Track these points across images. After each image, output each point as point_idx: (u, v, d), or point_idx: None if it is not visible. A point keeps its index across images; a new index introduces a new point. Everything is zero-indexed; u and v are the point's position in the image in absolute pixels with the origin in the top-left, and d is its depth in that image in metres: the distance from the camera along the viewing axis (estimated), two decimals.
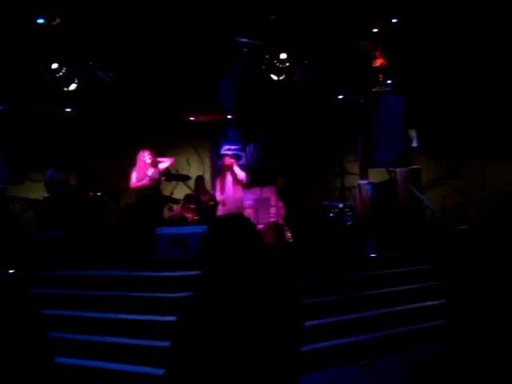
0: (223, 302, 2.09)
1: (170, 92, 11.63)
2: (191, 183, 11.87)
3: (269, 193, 12.57)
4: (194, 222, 10.40)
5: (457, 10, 9.66)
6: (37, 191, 11.19)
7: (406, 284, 8.76)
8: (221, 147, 14.20)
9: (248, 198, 11.84)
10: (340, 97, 11.97)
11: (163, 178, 10.53)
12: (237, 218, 2.25)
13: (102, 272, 8.77)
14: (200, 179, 11.64)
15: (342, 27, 9.99)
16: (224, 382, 2.02)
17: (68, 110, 12.32)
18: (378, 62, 10.67)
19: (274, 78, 10.36)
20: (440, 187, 12.56)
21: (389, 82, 10.74)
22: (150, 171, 9.80)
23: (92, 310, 7.62)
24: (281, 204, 11.56)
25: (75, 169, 13.03)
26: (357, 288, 8.34)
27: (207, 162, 14.43)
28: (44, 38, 9.44)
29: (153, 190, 9.89)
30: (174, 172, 11.43)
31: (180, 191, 12.49)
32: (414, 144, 10.84)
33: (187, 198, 10.94)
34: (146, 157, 9.81)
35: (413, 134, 10.79)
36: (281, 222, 11.28)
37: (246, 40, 10.14)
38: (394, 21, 10.01)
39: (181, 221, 10.52)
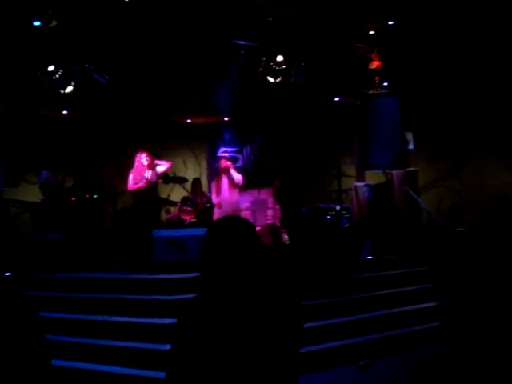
0: (223, 304, 2.09)
1: (167, 94, 11.63)
2: (188, 185, 11.88)
3: (266, 195, 12.60)
4: (191, 225, 10.41)
5: (453, 11, 9.67)
6: (33, 193, 11.18)
7: (402, 286, 8.77)
8: (218, 149, 14.23)
9: (245, 200, 11.86)
10: (336, 99, 11.98)
11: (160, 180, 10.53)
12: (236, 220, 2.25)
13: (99, 274, 8.76)
14: (197, 181, 11.65)
15: (338, 29, 10.00)
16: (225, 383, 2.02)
17: (64, 112, 12.32)
18: (375, 64, 10.68)
19: (271, 80, 10.36)
20: (437, 189, 12.58)
21: (385, 84, 10.76)
22: (148, 173, 9.78)
23: (88, 312, 7.61)
24: (278, 206, 11.57)
25: (72, 171, 13.03)
26: (354, 290, 8.35)
27: (204, 164, 14.46)
28: (40, 40, 9.42)
29: (150, 192, 9.88)
30: (171, 174, 11.43)
31: (177, 193, 12.51)
32: (411, 146, 10.86)
33: (184, 200, 10.95)
34: (143, 159, 9.81)
35: (409, 136, 10.81)
36: (277, 224, 11.30)
37: (242, 42, 10.14)
38: (390, 23, 10.02)
39: (178, 223, 10.52)
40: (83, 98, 10.93)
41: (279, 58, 10.22)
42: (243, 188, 11.37)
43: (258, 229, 9.04)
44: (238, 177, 10.88)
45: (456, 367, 4.51)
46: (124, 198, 11.56)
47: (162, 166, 10.16)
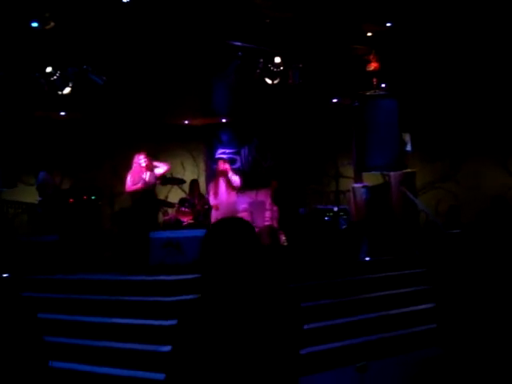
0: (223, 305, 2.09)
1: (165, 95, 11.64)
2: (186, 187, 11.87)
3: (264, 196, 12.60)
4: (188, 226, 10.40)
5: (450, 13, 9.70)
6: (31, 195, 11.16)
7: (399, 288, 8.78)
8: (215, 151, 14.23)
9: (243, 202, 11.86)
10: (334, 100, 12.00)
11: (158, 181, 10.52)
12: (236, 221, 2.25)
13: (97, 276, 8.75)
14: (195, 183, 11.64)
15: (335, 31, 10.01)
16: None
17: (62, 113, 12.31)
18: (372, 66, 10.70)
19: (269, 81, 10.37)
20: (434, 191, 12.60)
21: (383, 85, 10.78)
22: (146, 175, 9.77)
23: (86, 314, 7.60)
24: (275, 207, 11.57)
25: (69, 172, 13.02)
26: (351, 291, 8.35)
27: (202, 165, 14.45)
28: (38, 42, 9.42)
29: (148, 193, 9.86)
30: (168, 176, 11.42)
31: (175, 195, 12.51)
32: (408, 148, 10.87)
33: (182, 201, 10.94)
34: (141, 160, 9.78)
35: (407, 137, 10.83)
36: (275, 225, 11.29)
37: (240, 44, 10.15)
38: (387, 25, 10.05)
39: (175, 225, 10.51)
40: (81, 100, 10.94)
41: (277, 60, 10.23)
42: (241, 189, 11.38)
43: (255, 230, 9.03)
44: (235, 180, 10.88)
45: (453, 369, 4.51)
46: (122, 199, 11.56)
47: (161, 169, 10.15)
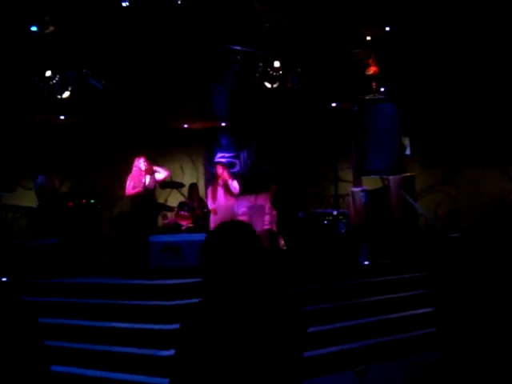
0: (226, 308, 2.09)
1: (164, 99, 11.64)
2: (185, 191, 11.87)
3: (263, 200, 12.60)
4: (187, 230, 10.40)
5: (449, 17, 9.72)
6: (30, 199, 11.16)
7: (399, 292, 8.77)
8: (215, 154, 14.24)
9: (242, 206, 11.87)
10: (333, 105, 12.00)
11: (157, 185, 10.52)
12: (237, 225, 2.25)
13: (96, 280, 8.73)
14: (194, 187, 11.64)
15: (335, 35, 10.03)
16: None
17: (61, 117, 12.31)
18: (371, 70, 10.72)
19: (268, 85, 10.38)
20: (433, 194, 12.60)
21: (382, 89, 10.79)
22: (146, 179, 9.75)
23: (85, 318, 7.59)
24: (275, 211, 11.58)
25: (69, 176, 13.03)
26: (350, 295, 8.35)
27: (201, 169, 14.45)
28: (37, 46, 9.43)
29: (148, 197, 9.85)
30: (168, 179, 11.42)
31: (174, 198, 12.50)
32: (407, 152, 10.88)
33: (181, 205, 10.94)
34: (141, 164, 9.77)
35: (406, 141, 10.83)
36: (274, 229, 11.30)
37: (239, 48, 10.16)
38: (386, 29, 10.07)
39: (174, 228, 10.51)
40: (80, 104, 10.94)
41: (276, 64, 10.25)
42: (240, 193, 11.38)
43: None
44: (235, 187, 10.84)
45: (452, 373, 4.50)
46: (121, 203, 11.55)
47: (161, 174, 10.11)
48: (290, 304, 2.16)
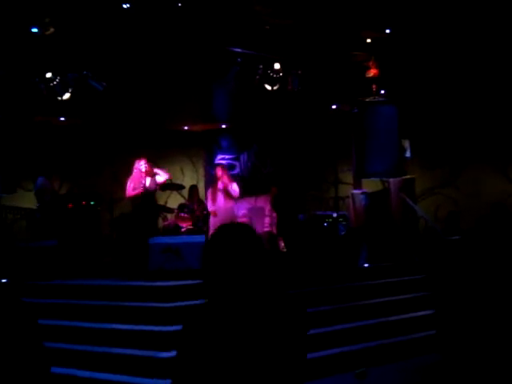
0: (229, 310, 2.08)
1: (164, 101, 11.65)
2: (185, 192, 11.87)
3: (263, 202, 12.60)
4: (187, 232, 10.39)
5: (449, 20, 9.73)
6: (30, 200, 11.16)
7: (399, 294, 8.77)
8: (215, 156, 14.24)
9: (242, 208, 11.86)
10: (334, 107, 12.01)
11: (158, 187, 10.52)
12: (239, 226, 2.25)
13: (96, 281, 8.73)
14: (194, 188, 11.63)
15: (335, 38, 10.04)
16: None
17: (62, 119, 12.32)
18: (372, 73, 10.72)
19: (268, 87, 10.39)
20: (434, 197, 12.60)
21: (382, 92, 10.79)
22: (146, 181, 9.73)
23: (85, 319, 7.59)
24: (275, 213, 11.57)
25: (69, 178, 13.03)
26: (350, 298, 8.34)
27: (201, 171, 14.46)
28: (38, 47, 9.44)
29: (149, 199, 9.83)
30: (168, 181, 11.43)
31: (174, 200, 12.51)
32: (408, 154, 10.89)
33: (181, 207, 10.93)
34: (141, 166, 9.74)
35: (406, 144, 10.84)
36: (274, 231, 11.29)
37: (239, 50, 10.17)
38: (387, 31, 10.08)
39: (174, 230, 10.51)
40: (81, 105, 10.95)
41: (276, 66, 10.25)
42: (240, 196, 11.37)
43: None
44: (235, 190, 10.79)
45: (452, 376, 4.50)
46: (121, 204, 11.55)
47: (161, 177, 10.07)
48: (292, 306, 2.16)
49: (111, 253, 10.40)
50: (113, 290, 8.06)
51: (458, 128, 12.12)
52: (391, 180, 10.72)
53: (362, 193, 10.79)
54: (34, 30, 8.91)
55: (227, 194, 10.77)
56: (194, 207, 10.87)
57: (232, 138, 14.26)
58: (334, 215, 10.69)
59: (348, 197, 11.24)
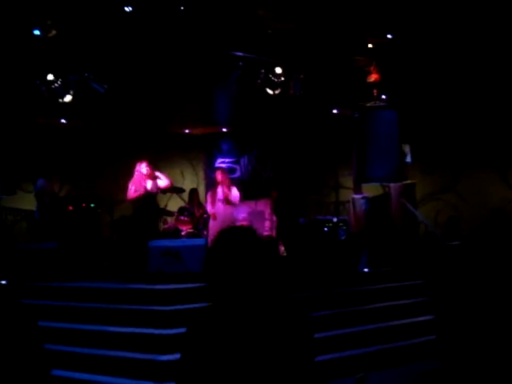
0: (233, 314, 2.08)
1: (165, 104, 11.66)
2: (185, 196, 11.87)
3: (263, 206, 12.59)
4: (187, 235, 10.39)
5: (450, 25, 9.74)
6: (30, 202, 11.17)
7: (399, 299, 8.76)
8: (215, 160, 14.25)
9: (242, 211, 11.85)
10: (335, 111, 12.02)
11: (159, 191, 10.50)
12: (243, 230, 2.24)
13: (95, 284, 8.73)
14: (194, 192, 11.63)
15: (337, 43, 10.06)
16: None
17: (63, 121, 12.32)
18: (373, 78, 10.73)
19: (270, 92, 10.40)
20: (434, 202, 12.59)
21: (383, 97, 10.80)
22: (147, 184, 9.69)
23: (84, 322, 7.57)
24: (275, 217, 11.57)
25: (69, 180, 13.03)
26: (350, 303, 8.33)
27: (201, 174, 14.47)
28: (40, 49, 9.45)
29: (150, 201, 9.79)
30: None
31: (174, 203, 12.50)
32: (408, 159, 10.88)
33: (181, 210, 10.94)
34: (143, 168, 9.70)
35: (407, 149, 10.84)
36: (274, 235, 11.29)
37: (241, 54, 10.19)
38: (388, 37, 10.09)
39: (174, 233, 10.51)
40: (82, 107, 10.96)
41: (278, 70, 10.26)
42: (240, 200, 11.35)
43: None
44: (235, 197, 10.72)
45: (452, 382, 4.49)
46: (121, 207, 11.55)
47: (162, 181, 9.99)
48: (296, 309, 2.15)
49: (111, 255, 10.39)
50: (112, 293, 8.05)
51: (459, 133, 12.13)
52: (392, 185, 10.71)
53: (363, 197, 10.78)
54: (36, 32, 8.92)
55: (227, 201, 10.71)
56: (194, 210, 10.88)
57: (232, 141, 14.27)
58: (335, 220, 10.70)
59: (348, 201, 11.23)
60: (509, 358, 3.90)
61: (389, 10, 9.40)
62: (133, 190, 9.66)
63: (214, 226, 10.46)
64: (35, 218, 10.58)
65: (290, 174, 13.46)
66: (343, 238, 10.39)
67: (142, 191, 9.63)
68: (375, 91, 10.80)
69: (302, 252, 9.46)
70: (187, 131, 13.99)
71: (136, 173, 9.73)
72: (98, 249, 10.48)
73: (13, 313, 2.53)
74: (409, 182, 10.81)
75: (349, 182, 11.82)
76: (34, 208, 10.74)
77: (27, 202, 11.41)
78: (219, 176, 10.90)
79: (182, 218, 10.78)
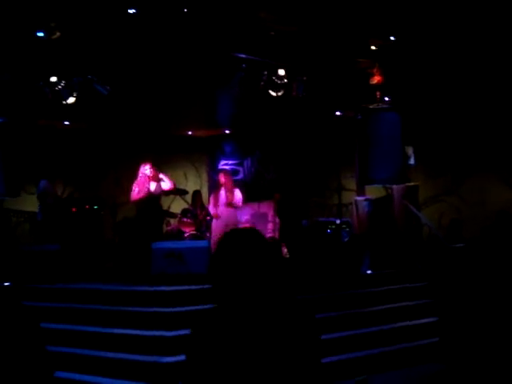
0: (238, 315, 2.08)
1: (168, 106, 11.66)
2: (188, 197, 11.88)
3: (266, 208, 12.58)
4: (190, 237, 10.39)
5: (453, 28, 9.74)
6: (33, 203, 11.18)
7: (401, 301, 8.75)
8: (218, 162, 14.25)
9: (245, 213, 11.84)
10: (338, 113, 12.01)
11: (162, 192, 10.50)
12: (249, 232, 2.24)
13: (98, 286, 8.73)
14: (197, 194, 11.63)
15: (340, 44, 10.05)
16: None
17: (66, 123, 12.33)
18: (376, 79, 10.73)
19: (272, 94, 10.39)
20: (437, 204, 12.58)
21: (386, 99, 10.79)
22: (152, 185, 9.68)
23: (87, 324, 7.58)
24: (278, 219, 11.56)
25: (72, 182, 13.05)
26: (353, 305, 8.32)
27: (204, 176, 14.47)
28: (43, 51, 9.47)
29: (153, 203, 9.76)
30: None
31: (177, 205, 12.52)
32: (411, 161, 10.87)
33: (184, 212, 10.94)
34: (147, 170, 9.68)
35: (410, 151, 10.83)
36: (277, 237, 11.28)
37: (244, 56, 10.18)
38: (391, 39, 10.08)
39: (177, 235, 10.51)
40: (85, 109, 10.96)
41: (281, 72, 10.26)
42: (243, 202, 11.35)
43: None
44: (238, 201, 10.70)
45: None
46: (124, 208, 11.56)
47: (166, 184, 9.95)
48: (302, 311, 2.15)
49: (113, 257, 10.40)
50: (115, 295, 8.05)
51: (462, 136, 12.11)
52: (394, 187, 10.70)
53: (366, 199, 10.77)
54: (40, 34, 8.93)
55: (230, 204, 10.69)
56: (197, 212, 10.88)
57: (235, 143, 14.27)
58: (337, 222, 10.69)
59: (351, 203, 11.22)
60: None
61: (391, 12, 9.40)
62: (136, 191, 9.64)
63: (216, 228, 10.45)
64: (38, 219, 10.59)
65: (293, 176, 13.45)
66: (346, 240, 10.39)
67: (145, 192, 9.61)
68: (378, 93, 10.79)
69: (304, 254, 9.46)
70: (190, 133, 14.00)
71: (140, 174, 9.70)
72: (100, 251, 10.49)
73: (15, 314, 2.53)
74: (412, 184, 10.80)
75: (351, 184, 11.81)
76: (36, 210, 10.76)
77: (30, 204, 11.42)
78: (222, 178, 10.89)
79: (185, 219, 10.78)
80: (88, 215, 10.85)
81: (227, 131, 14.00)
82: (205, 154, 14.53)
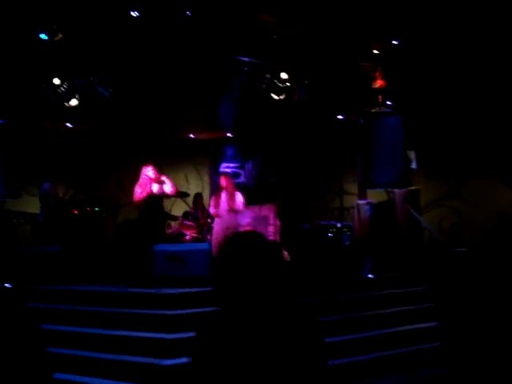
0: (242, 318, 2.08)
1: (170, 109, 11.68)
2: (190, 200, 11.87)
3: (267, 211, 12.58)
4: (192, 240, 10.39)
5: (456, 31, 9.74)
6: (34, 205, 11.19)
7: (403, 305, 8.73)
8: (220, 165, 14.26)
9: (246, 216, 11.82)
10: (340, 117, 12.01)
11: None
12: (252, 235, 2.24)
13: (99, 288, 8.72)
14: (198, 196, 11.62)
15: (342, 48, 10.05)
16: None
17: (68, 125, 12.35)
18: (378, 83, 10.73)
19: (275, 97, 10.40)
20: (438, 208, 12.56)
21: (388, 103, 10.79)
22: (154, 187, 9.65)
23: (88, 325, 7.58)
24: (279, 222, 11.55)
25: (74, 184, 13.06)
26: (354, 309, 8.31)
27: (206, 179, 14.48)
28: (46, 53, 9.48)
29: (156, 205, 9.73)
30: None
31: (178, 208, 12.50)
32: (413, 165, 10.85)
33: (186, 214, 10.93)
34: (149, 172, 9.65)
35: (412, 155, 10.82)
36: (278, 240, 11.27)
37: (246, 59, 10.20)
38: (394, 42, 10.09)
39: (179, 238, 10.50)
40: (87, 111, 10.98)
41: (283, 76, 10.27)
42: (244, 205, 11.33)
43: None
44: (239, 205, 10.66)
45: None
46: (126, 210, 11.55)
47: (168, 187, 9.91)
48: (305, 314, 2.15)
49: (115, 259, 10.39)
50: (116, 297, 8.06)
51: (464, 139, 12.11)
52: (396, 191, 10.69)
53: (367, 203, 10.76)
54: (43, 36, 8.95)
55: (232, 209, 10.66)
56: (199, 215, 10.87)
57: (237, 146, 14.28)
58: (339, 225, 10.67)
59: (353, 207, 11.22)
60: None
61: (394, 16, 9.40)
62: (139, 192, 9.60)
63: (217, 231, 10.44)
64: (39, 221, 10.60)
65: (295, 180, 13.45)
66: (347, 243, 10.36)
67: (148, 192, 9.58)
68: (380, 97, 10.79)
69: (305, 257, 9.44)
70: (192, 136, 14.01)
71: (143, 176, 9.66)
72: (101, 252, 10.49)
73: (16, 316, 2.53)
74: (413, 188, 10.79)
75: (353, 187, 11.80)
76: (38, 211, 10.76)
77: (31, 206, 11.43)
78: (223, 181, 10.87)
79: (187, 222, 10.78)
80: (89, 217, 10.85)
81: (229, 134, 14.01)
82: (206, 157, 14.54)
